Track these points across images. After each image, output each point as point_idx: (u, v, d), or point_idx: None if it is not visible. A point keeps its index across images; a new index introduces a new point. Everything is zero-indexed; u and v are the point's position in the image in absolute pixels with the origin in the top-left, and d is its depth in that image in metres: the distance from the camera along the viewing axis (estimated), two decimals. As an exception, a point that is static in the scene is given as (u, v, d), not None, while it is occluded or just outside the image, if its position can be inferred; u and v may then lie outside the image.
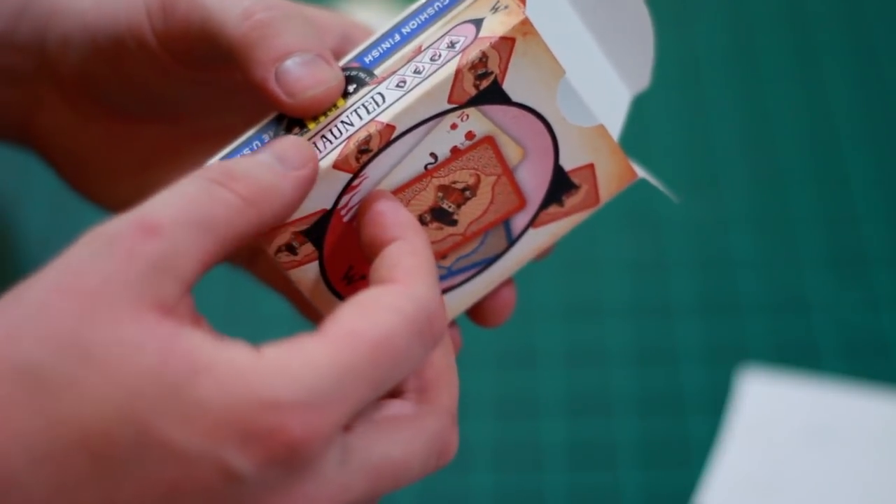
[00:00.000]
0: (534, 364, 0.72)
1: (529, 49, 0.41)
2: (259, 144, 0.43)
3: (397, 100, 0.41)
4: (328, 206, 0.42)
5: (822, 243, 0.77)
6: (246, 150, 0.43)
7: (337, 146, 0.41)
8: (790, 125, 0.83)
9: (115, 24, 0.46)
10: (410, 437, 0.39)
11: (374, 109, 0.42)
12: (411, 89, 0.41)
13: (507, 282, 0.47)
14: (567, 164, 0.44)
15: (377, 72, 0.43)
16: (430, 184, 0.43)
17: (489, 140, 0.42)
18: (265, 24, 0.42)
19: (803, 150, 0.82)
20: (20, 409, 0.35)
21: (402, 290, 0.38)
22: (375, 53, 0.43)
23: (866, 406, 0.69)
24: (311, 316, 0.50)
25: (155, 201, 0.37)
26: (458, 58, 0.41)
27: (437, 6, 0.43)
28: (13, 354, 0.35)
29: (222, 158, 0.43)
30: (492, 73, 0.41)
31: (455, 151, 0.42)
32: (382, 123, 0.41)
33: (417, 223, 0.41)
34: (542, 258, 0.47)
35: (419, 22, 0.43)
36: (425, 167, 0.42)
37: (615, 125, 0.45)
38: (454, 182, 0.43)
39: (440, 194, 0.43)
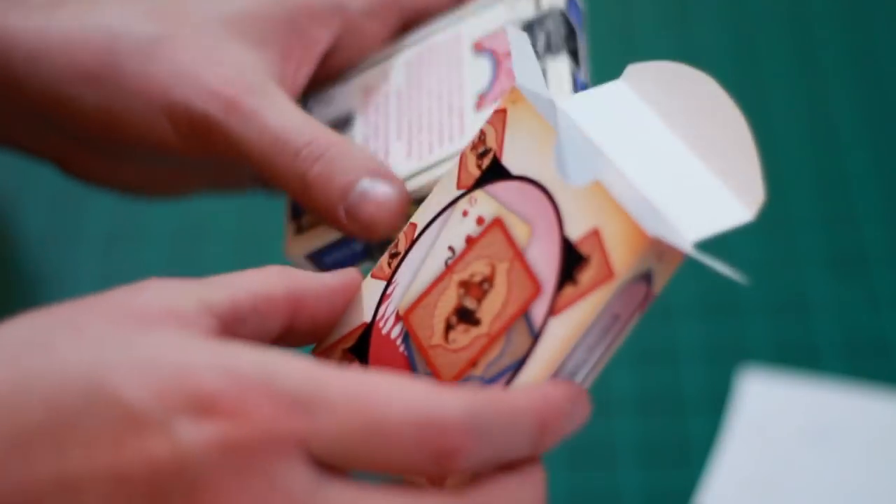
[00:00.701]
0: (534, 364, 0.72)
1: (521, 116, 0.40)
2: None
3: None
4: (368, 319, 0.42)
5: (822, 243, 0.77)
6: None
7: None
8: (790, 125, 0.83)
9: (119, 124, 0.48)
10: None
11: None
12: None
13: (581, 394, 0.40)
14: (573, 233, 0.39)
15: None
16: (452, 281, 0.41)
17: (498, 223, 0.40)
18: (324, 163, 0.46)
19: (803, 150, 0.82)
20: None
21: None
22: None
23: (866, 406, 0.69)
24: None
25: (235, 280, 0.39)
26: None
27: None
28: (8, 332, 0.36)
29: (313, 253, 0.47)
30: (490, 149, 0.41)
31: (469, 241, 0.41)
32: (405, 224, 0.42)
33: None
34: (606, 360, 0.41)
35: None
36: (445, 263, 0.41)
37: (704, 231, 0.40)
38: (472, 275, 0.40)
39: (461, 291, 0.41)
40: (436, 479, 0.37)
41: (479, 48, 0.48)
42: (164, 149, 0.48)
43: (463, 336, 0.40)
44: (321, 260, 0.48)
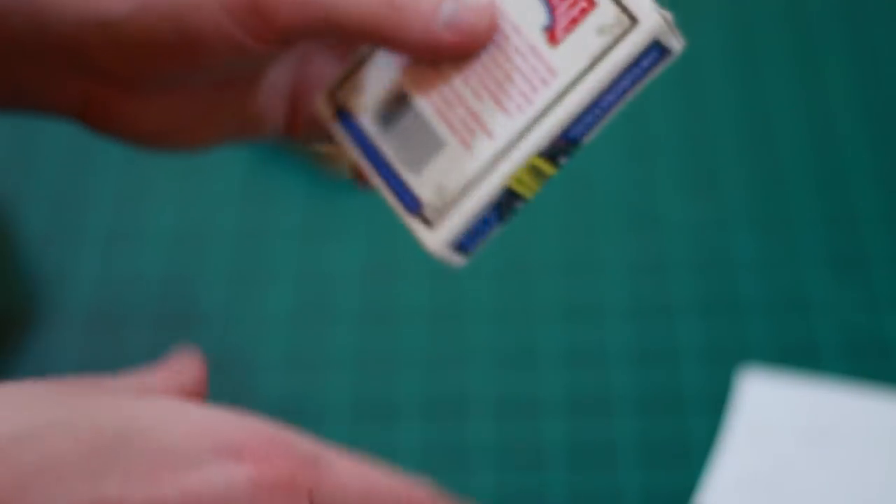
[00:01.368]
0: (534, 364, 0.72)
1: None
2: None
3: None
4: None
5: (822, 243, 0.77)
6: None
7: None
8: (790, 125, 0.83)
9: (177, 25, 0.45)
10: None
11: None
12: None
13: None
14: None
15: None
16: None
17: None
18: None
19: (803, 150, 0.82)
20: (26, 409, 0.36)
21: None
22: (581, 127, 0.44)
23: (866, 406, 0.69)
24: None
25: None
26: None
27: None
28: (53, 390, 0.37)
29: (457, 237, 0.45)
30: None
31: None
32: None
33: None
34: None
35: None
36: None
37: None
38: None
39: None
40: None
41: None
42: (227, 50, 0.45)
43: None
44: (465, 246, 0.45)
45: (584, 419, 0.70)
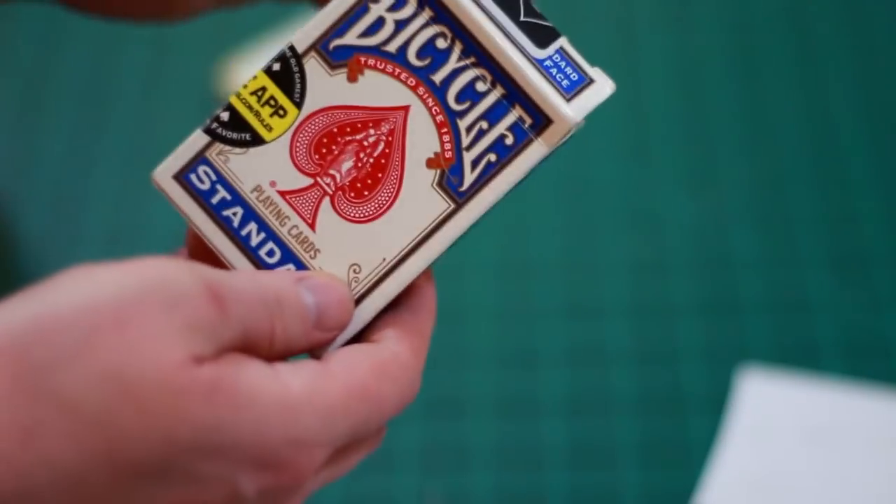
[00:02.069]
0: (534, 364, 0.72)
1: None
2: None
3: None
4: None
5: (822, 243, 0.77)
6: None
7: None
8: (790, 125, 0.83)
9: None
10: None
11: None
12: None
13: None
14: None
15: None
16: None
17: None
18: None
19: (803, 150, 0.82)
20: (53, 433, 0.35)
21: (406, 365, 0.41)
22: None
23: (866, 406, 0.69)
24: None
25: (231, 277, 0.39)
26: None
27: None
28: (55, 380, 0.36)
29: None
30: None
31: None
32: None
33: (436, 307, 0.44)
34: None
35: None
36: None
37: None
38: None
39: None
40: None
41: None
42: None
43: None
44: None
45: (584, 419, 0.70)
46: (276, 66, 0.43)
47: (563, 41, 0.43)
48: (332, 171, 0.43)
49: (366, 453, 0.43)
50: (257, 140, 0.43)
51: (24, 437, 0.35)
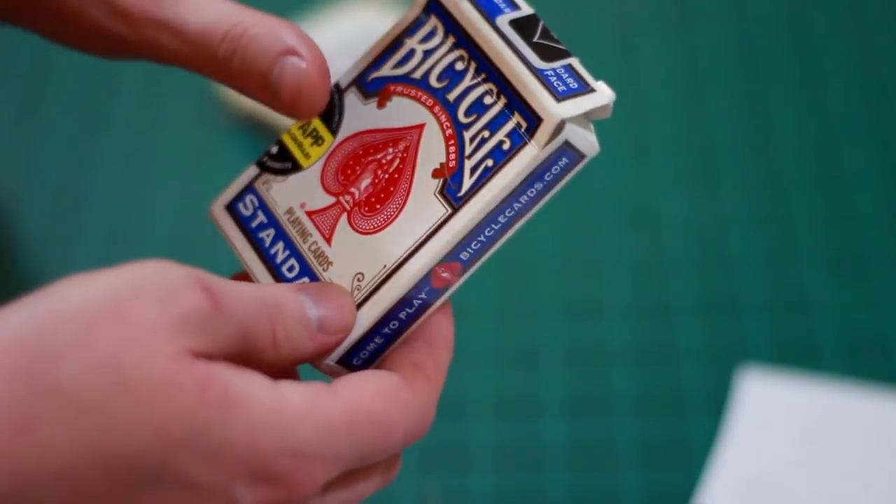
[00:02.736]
0: (534, 364, 0.72)
1: None
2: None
3: None
4: None
5: (822, 243, 0.77)
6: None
7: None
8: (790, 125, 0.83)
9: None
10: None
11: None
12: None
13: None
14: None
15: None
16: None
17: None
18: (240, 56, 0.44)
19: (803, 150, 0.82)
20: (48, 425, 0.36)
21: (418, 394, 0.42)
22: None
23: (866, 406, 0.69)
24: None
25: (229, 282, 0.39)
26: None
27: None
28: (51, 372, 0.36)
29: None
30: None
31: None
32: None
33: (453, 341, 0.44)
34: None
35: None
36: None
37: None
38: None
39: None
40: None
41: None
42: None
43: None
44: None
45: (584, 419, 0.70)
46: None
47: (572, 60, 0.44)
48: (352, 189, 0.44)
49: (379, 483, 0.43)
50: (296, 167, 0.46)
51: (20, 432, 0.35)
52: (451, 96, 0.44)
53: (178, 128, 0.85)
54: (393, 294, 0.43)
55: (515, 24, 0.44)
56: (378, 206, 0.44)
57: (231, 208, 0.47)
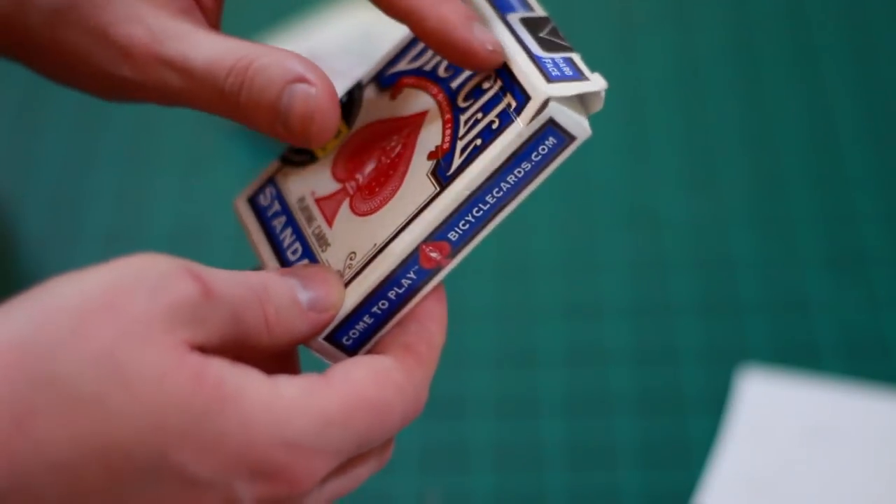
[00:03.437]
0: (534, 364, 0.72)
1: None
2: None
3: None
4: None
5: (822, 243, 0.77)
6: None
7: None
8: (790, 125, 0.83)
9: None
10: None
11: None
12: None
13: None
14: None
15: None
16: None
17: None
18: (247, 89, 0.43)
19: (803, 150, 0.82)
20: (46, 419, 0.36)
21: (411, 375, 0.42)
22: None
23: (866, 406, 0.69)
24: None
25: (215, 270, 0.40)
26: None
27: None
28: (47, 365, 0.36)
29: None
30: None
31: None
32: None
33: (446, 322, 0.44)
34: None
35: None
36: None
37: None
38: None
39: None
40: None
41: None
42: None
43: None
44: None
45: (584, 419, 0.70)
46: (345, 99, 0.48)
47: (574, 55, 0.44)
48: (357, 175, 0.46)
49: (374, 467, 0.43)
50: (313, 158, 0.47)
51: (18, 425, 0.35)
52: (455, 84, 0.45)
53: (177, 128, 0.85)
54: (380, 271, 0.43)
55: (525, 21, 0.45)
56: (377, 190, 0.45)
57: (252, 200, 0.48)
